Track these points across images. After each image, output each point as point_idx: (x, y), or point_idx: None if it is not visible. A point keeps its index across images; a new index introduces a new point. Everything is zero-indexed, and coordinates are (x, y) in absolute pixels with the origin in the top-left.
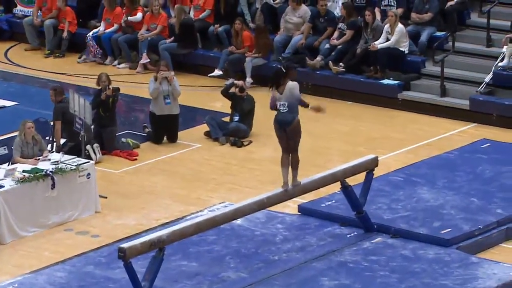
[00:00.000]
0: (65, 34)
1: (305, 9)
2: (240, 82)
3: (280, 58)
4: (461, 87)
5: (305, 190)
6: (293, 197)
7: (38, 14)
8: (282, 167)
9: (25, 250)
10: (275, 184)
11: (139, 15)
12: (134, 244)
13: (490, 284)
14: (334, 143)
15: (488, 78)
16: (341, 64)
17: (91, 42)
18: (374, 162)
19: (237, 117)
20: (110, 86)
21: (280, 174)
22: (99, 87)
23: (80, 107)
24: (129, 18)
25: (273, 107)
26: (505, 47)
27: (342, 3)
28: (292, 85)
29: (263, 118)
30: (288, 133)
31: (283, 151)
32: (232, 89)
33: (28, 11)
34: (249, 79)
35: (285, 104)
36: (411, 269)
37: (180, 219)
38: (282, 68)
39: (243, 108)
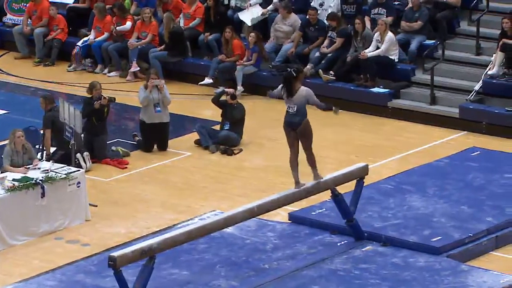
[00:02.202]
0: (49, 37)
1: (295, 18)
2: (231, 90)
3: (271, 66)
4: (451, 95)
5: (295, 198)
6: (284, 205)
7: (28, 22)
8: (291, 168)
9: (15, 259)
10: (265, 192)
11: (128, 24)
12: (124, 252)
13: None
14: (325, 151)
15: (477, 86)
16: (331, 72)
17: (78, 52)
18: (365, 170)
19: (228, 125)
20: (106, 96)
21: (272, 182)
22: (90, 96)
23: (70, 115)
24: (117, 28)
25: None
26: (494, 55)
27: (328, 15)
28: (306, 93)
29: (254, 127)
30: (298, 134)
31: (291, 150)
32: (223, 97)
33: (18, 19)
34: (240, 88)
35: (294, 107)
36: (402, 277)
37: (170, 228)
38: (293, 71)
39: (234, 116)
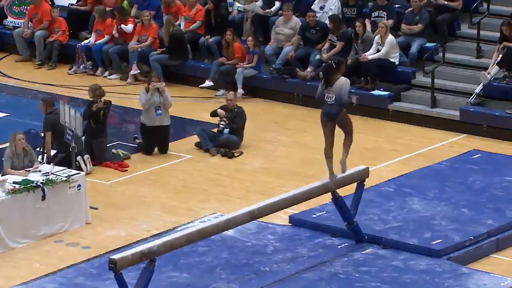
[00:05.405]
0: (50, 39)
1: (296, 21)
2: (231, 93)
3: (271, 69)
4: (452, 98)
5: (296, 201)
6: (284, 208)
7: (29, 25)
8: (326, 158)
9: (15, 262)
10: (265, 195)
11: (130, 26)
12: (125, 255)
13: None
14: None
15: (478, 89)
16: None
17: (81, 52)
18: (365, 173)
19: (228, 129)
20: (102, 99)
21: (272, 185)
22: (92, 99)
23: (71, 118)
24: (122, 26)
25: (319, 99)
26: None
27: (329, 17)
28: (343, 81)
29: (254, 129)
30: (338, 124)
31: (326, 141)
32: (224, 101)
33: (18, 22)
34: (240, 90)
35: (333, 97)
36: (402, 280)
37: (171, 230)
38: (333, 63)
39: (235, 122)
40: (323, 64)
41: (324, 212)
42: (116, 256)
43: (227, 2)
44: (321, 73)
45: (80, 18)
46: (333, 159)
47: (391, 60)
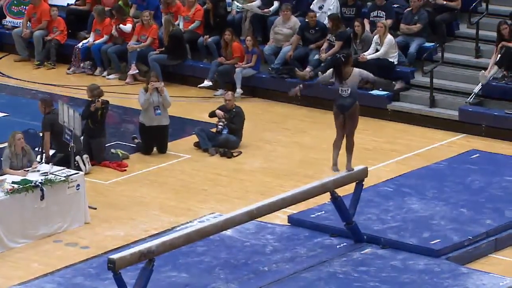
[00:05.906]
0: (48, 38)
1: (295, 21)
2: (229, 94)
3: (270, 69)
4: (450, 98)
5: (295, 201)
6: (283, 208)
7: (28, 25)
8: (333, 149)
9: (14, 262)
10: (264, 195)
11: (128, 26)
12: (123, 255)
13: None
14: (325, 153)
15: (477, 88)
16: None
17: (78, 54)
18: (364, 173)
19: (226, 130)
20: (100, 99)
21: (271, 185)
22: (90, 98)
23: (70, 118)
24: (120, 26)
25: (319, 81)
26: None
27: (328, 15)
28: (358, 71)
29: (253, 129)
30: (346, 116)
31: (337, 132)
32: (223, 98)
33: (17, 22)
34: (239, 90)
35: (347, 90)
36: (401, 279)
37: (169, 230)
38: (342, 57)
39: (234, 123)
40: (326, 62)
41: (323, 212)
42: (115, 256)
43: (225, 2)
44: (320, 72)
45: (79, 18)
46: (339, 152)
47: (390, 60)
